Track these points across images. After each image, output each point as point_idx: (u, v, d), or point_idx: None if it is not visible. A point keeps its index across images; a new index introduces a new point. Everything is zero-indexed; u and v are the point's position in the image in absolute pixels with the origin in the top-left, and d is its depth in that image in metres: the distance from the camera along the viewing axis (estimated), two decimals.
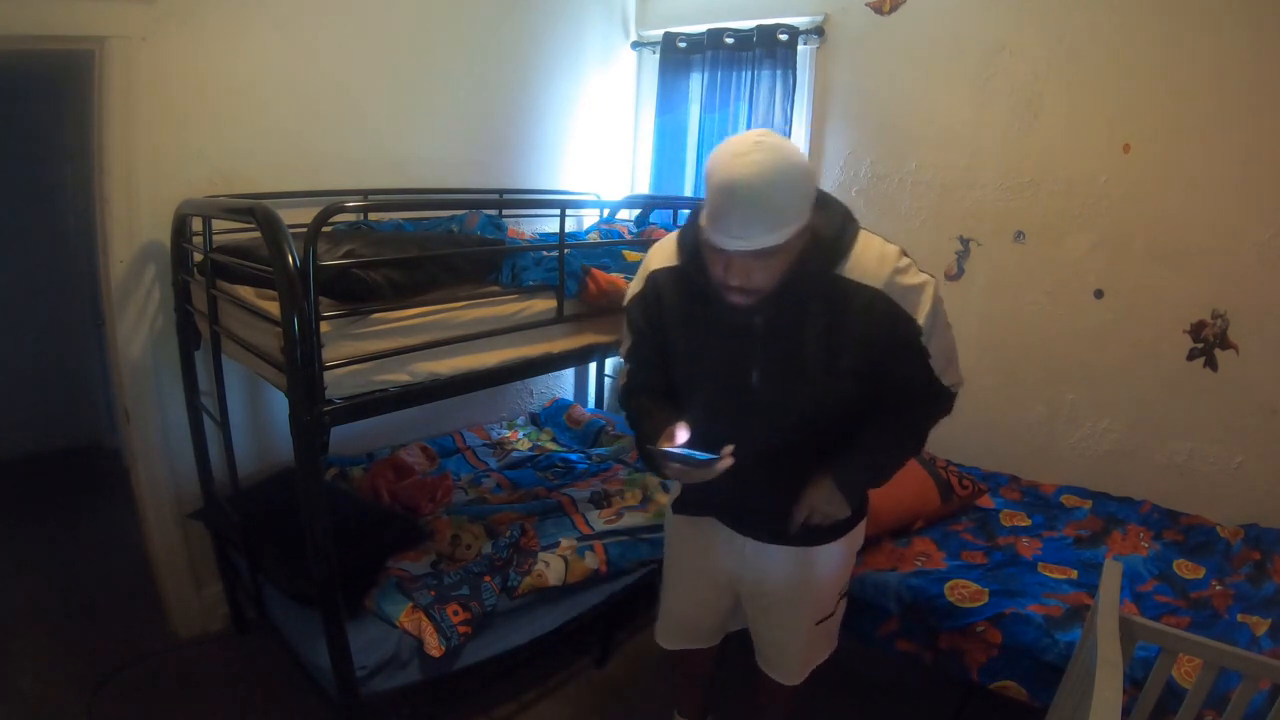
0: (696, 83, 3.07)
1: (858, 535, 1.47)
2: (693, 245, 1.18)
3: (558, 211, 1.91)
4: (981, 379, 2.66)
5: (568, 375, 3.49)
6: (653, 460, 1.24)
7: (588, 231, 2.78)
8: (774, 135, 1.04)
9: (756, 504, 1.37)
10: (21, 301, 3.32)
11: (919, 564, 1.98)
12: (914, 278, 1.17)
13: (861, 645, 1.93)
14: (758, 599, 1.49)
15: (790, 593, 1.44)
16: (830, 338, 1.16)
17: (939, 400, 1.27)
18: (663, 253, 1.30)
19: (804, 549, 1.39)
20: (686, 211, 2.90)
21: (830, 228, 1.13)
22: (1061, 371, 2.51)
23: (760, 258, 1.05)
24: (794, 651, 1.52)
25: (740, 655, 1.66)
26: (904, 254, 1.18)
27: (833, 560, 1.43)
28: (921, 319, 1.15)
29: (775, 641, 1.53)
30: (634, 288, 1.33)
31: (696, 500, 1.47)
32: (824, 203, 1.18)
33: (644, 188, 3.34)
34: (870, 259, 1.14)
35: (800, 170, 1.03)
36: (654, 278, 1.28)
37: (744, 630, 1.63)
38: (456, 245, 1.92)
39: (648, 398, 1.36)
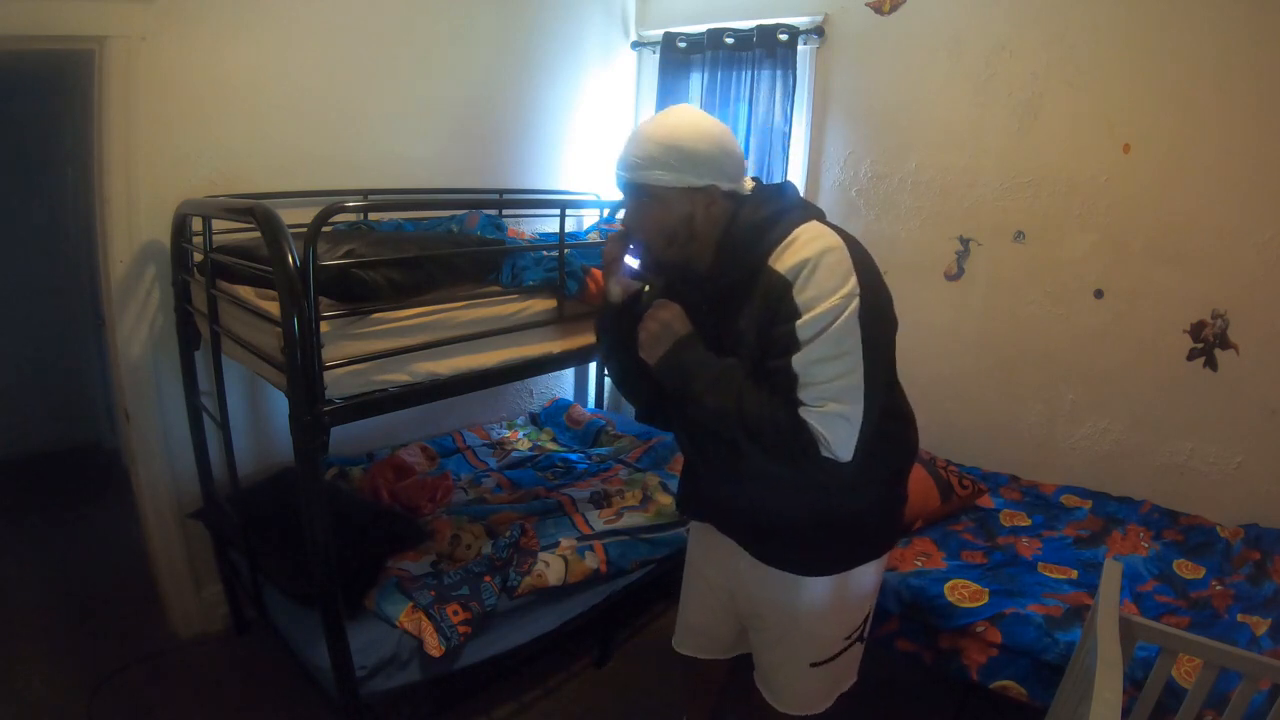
0: (696, 83, 3.07)
1: (862, 577, 1.32)
2: None
3: (558, 211, 1.91)
4: (981, 379, 2.66)
5: (568, 375, 3.49)
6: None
7: (587, 231, 2.78)
8: (695, 109, 1.15)
9: (738, 514, 1.34)
10: (21, 301, 3.33)
11: (919, 564, 1.98)
12: (829, 279, 1.03)
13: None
14: (753, 620, 1.43)
15: (780, 623, 1.36)
16: (744, 326, 1.12)
17: (789, 432, 1.05)
18: None
19: (794, 577, 1.29)
20: None
21: (759, 214, 1.13)
22: (1061, 371, 2.51)
23: (634, 198, 1.15)
24: (787, 683, 1.42)
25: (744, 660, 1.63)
26: (842, 254, 1.05)
27: (823, 597, 1.30)
28: (803, 319, 1.03)
29: (766, 666, 1.46)
30: None
31: (689, 500, 1.47)
32: (774, 194, 1.17)
33: None
34: (795, 248, 1.07)
35: (696, 131, 1.11)
36: None
37: None
38: (456, 245, 1.92)
39: None
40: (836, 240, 1.08)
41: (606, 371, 1.45)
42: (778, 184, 1.20)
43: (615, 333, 1.30)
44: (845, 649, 1.38)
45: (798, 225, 1.11)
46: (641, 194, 1.14)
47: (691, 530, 1.55)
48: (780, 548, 1.30)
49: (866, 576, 1.33)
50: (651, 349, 1.17)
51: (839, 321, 1.03)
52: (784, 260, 1.07)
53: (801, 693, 1.41)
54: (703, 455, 1.33)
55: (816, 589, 1.30)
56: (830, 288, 1.03)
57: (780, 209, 1.14)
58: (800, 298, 1.04)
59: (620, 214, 1.21)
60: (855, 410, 1.06)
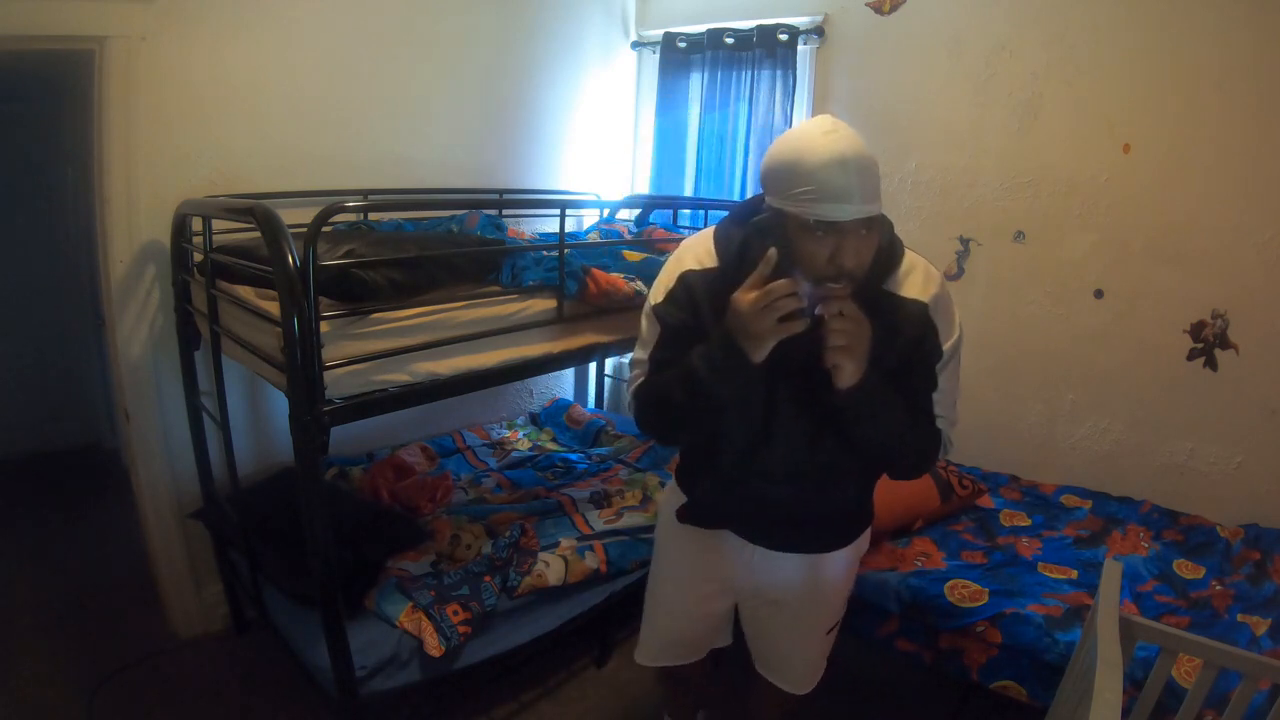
0: (696, 83, 3.07)
1: (864, 542, 1.45)
2: (738, 245, 1.16)
3: (558, 211, 1.91)
4: (981, 379, 2.66)
5: (568, 375, 3.49)
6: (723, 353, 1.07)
7: (587, 231, 2.78)
8: (831, 118, 1.05)
9: (780, 512, 1.32)
10: (21, 302, 3.32)
11: (919, 564, 1.98)
12: (953, 308, 1.19)
13: (861, 645, 1.93)
14: (763, 608, 1.45)
15: (802, 601, 1.40)
16: (877, 348, 1.10)
17: (937, 443, 1.24)
18: (695, 254, 1.21)
19: (814, 556, 1.36)
20: (687, 212, 2.94)
21: (882, 237, 1.14)
22: (1061, 371, 2.51)
23: (869, 231, 1.05)
24: (803, 660, 1.48)
25: (733, 653, 1.63)
26: (946, 283, 1.20)
27: (841, 566, 1.41)
28: (945, 346, 1.17)
29: (783, 650, 1.49)
30: (662, 286, 1.22)
31: (711, 512, 1.39)
32: None
33: (644, 188, 3.34)
34: (918, 277, 1.17)
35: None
36: (685, 278, 1.19)
37: (738, 637, 1.56)
38: (456, 245, 1.92)
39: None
40: (937, 270, 1.21)
41: (676, 414, 1.20)
42: None
43: (744, 378, 1.09)
44: (844, 604, 1.49)
45: (903, 251, 1.18)
46: (872, 225, 1.04)
47: (678, 538, 1.44)
48: (817, 536, 1.35)
49: (865, 540, 1.47)
50: (856, 366, 1.06)
51: (961, 345, 1.19)
52: (911, 287, 1.16)
53: (815, 666, 1.50)
54: (756, 461, 1.26)
55: (837, 561, 1.39)
56: (954, 316, 1.19)
57: (887, 230, 1.16)
58: (941, 324, 1.16)
59: (852, 255, 1.03)
60: (958, 415, 1.24)
